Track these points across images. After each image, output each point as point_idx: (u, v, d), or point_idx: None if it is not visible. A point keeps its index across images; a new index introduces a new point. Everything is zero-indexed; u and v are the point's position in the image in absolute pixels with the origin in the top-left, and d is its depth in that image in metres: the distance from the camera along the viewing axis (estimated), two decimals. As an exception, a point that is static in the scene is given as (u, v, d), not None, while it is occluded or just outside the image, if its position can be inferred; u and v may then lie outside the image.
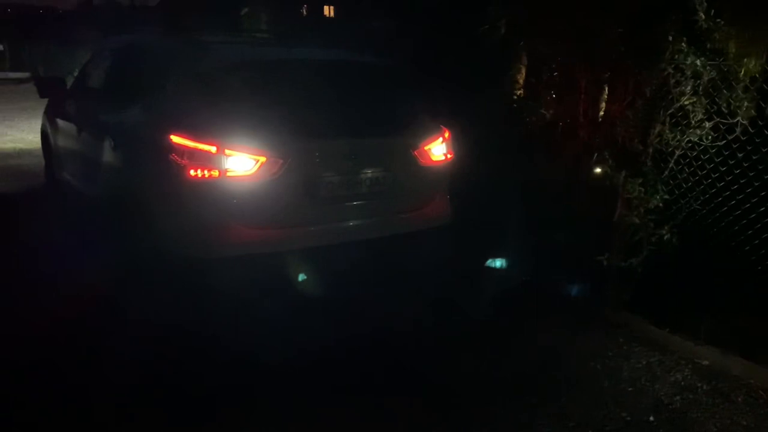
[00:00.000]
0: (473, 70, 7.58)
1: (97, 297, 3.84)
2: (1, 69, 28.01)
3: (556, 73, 5.69)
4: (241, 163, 3.52)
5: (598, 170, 4.55)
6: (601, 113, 4.82)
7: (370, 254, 3.93)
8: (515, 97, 10.41)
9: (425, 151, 4.12)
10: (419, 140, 4.10)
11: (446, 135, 4.26)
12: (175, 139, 3.58)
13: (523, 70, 11.62)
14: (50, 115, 5.90)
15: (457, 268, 4.53)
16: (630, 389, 3.30)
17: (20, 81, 23.87)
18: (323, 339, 3.54)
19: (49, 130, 5.94)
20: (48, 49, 22.90)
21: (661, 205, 3.96)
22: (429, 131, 4.19)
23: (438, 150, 4.19)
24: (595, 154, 4.50)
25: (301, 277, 3.87)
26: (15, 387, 3.02)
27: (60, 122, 5.50)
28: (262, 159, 3.54)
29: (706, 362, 3.54)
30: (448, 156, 4.26)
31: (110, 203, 4.26)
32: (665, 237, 3.87)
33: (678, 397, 3.23)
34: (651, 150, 4.01)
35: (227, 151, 3.49)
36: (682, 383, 3.36)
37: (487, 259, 4.71)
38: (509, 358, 3.55)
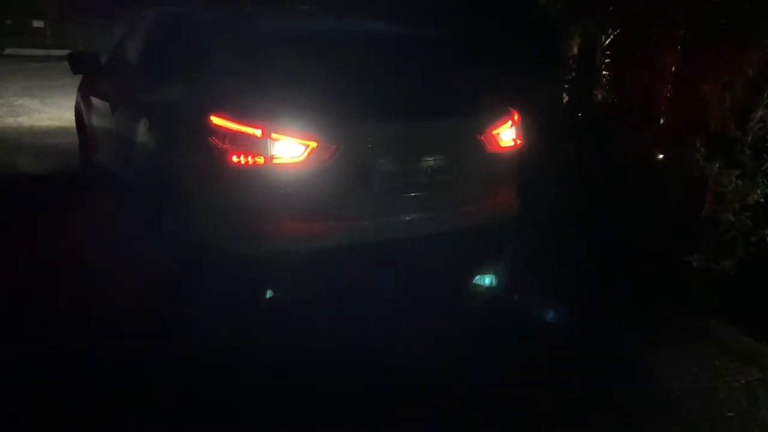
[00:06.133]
0: (523, 49, 7.09)
1: (125, 296, 3.46)
2: (43, 46, 28.22)
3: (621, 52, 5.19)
4: (289, 149, 3.14)
5: (674, 158, 4.07)
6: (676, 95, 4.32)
7: (429, 252, 3.51)
8: (568, 78, 9.82)
9: (492, 136, 3.67)
10: (486, 124, 3.65)
11: (515, 118, 3.81)
12: (216, 120, 3.20)
13: (575, 49, 11.01)
14: (84, 93, 5.59)
15: (524, 267, 4.08)
16: (729, 414, 2.84)
17: (61, 58, 23.91)
18: (382, 349, 3.12)
19: (82, 109, 5.64)
20: (89, 26, 22.82)
21: (762, 200, 3.47)
22: (496, 114, 3.74)
23: (506, 135, 3.74)
24: (677, 141, 4.01)
25: (351, 275, 3.47)
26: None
27: (94, 101, 5.19)
28: (313, 144, 3.15)
29: (819, 386, 3.07)
30: (518, 142, 3.81)
31: (145, 190, 3.93)
32: (768, 238, 3.38)
33: (793, 429, 2.77)
34: (750, 137, 3.52)
35: (274, 135, 3.11)
36: (795, 411, 2.89)
37: (554, 258, 4.25)
38: (582, 372, 3.11)
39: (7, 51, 27.83)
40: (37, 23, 30.26)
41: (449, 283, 3.75)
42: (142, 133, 3.93)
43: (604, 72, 10.01)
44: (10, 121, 9.73)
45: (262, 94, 3.23)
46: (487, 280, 3.84)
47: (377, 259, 3.42)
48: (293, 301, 3.33)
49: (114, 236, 4.23)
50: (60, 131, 8.83)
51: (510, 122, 3.76)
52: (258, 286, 3.30)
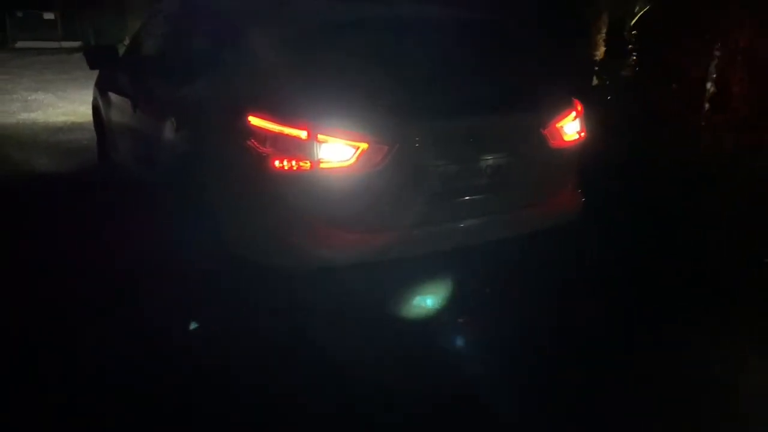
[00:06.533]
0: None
1: (144, 314, 3.13)
2: (54, 38, 28.01)
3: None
4: (337, 152, 2.79)
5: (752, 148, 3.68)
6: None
7: (491, 260, 3.16)
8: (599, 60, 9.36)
9: (556, 129, 3.30)
10: (549, 116, 3.28)
11: (579, 109, 3.43)
12: (254, 121, 2.86)
13: (604, 30, 10.52)
14: (101, 89, 5.25)
15: (590, 270, 3.70)
16: None
17: (72, 50, 23.86)
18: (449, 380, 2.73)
19: (100, 105, 5.30)
20: (100, 18, 22.52)
21: None
22: (560, 105, 3.37)
23: (570, 128, 3.36)
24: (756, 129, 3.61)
25: (409, 292, 3.13)
26: None
27: (112, 96, 4.85)
28: (363, 146, 2.79)
29: None
30: (582, 135, 3.43)
31: (170, 195, 3.60)
32: None
33: None
34: None
35: (320, 137, 2.76)
36: None
37: (630, 261, 3.85)
38: (670, 390, 2.75)
39: (19, 44, 27.74)
40: (48, 15, 30.06)
41: (519, 293, 3.38)
42: (167, 133, 3.59)
43: (633, 55, 9.56)
44: (24, 116, 9.48)
45: (307, 89, 2.87)
46: (553, 286, 3.47)
47: (433, 272, 3.08)
48: (339, 319, 2.99)
49: (136, 242, 3.90)
50: (75, 127, 8.58)
51: (574, 113, 3.39)
52: (300, 304, 2.97)
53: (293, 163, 2.78)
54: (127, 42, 18.28)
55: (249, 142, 2.86)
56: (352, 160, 2.79)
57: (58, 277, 3.55)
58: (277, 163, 2.80)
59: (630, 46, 9.44)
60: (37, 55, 22.64)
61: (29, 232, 4.33)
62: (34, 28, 29.17)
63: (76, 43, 25.58)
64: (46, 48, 25.58)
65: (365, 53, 3.05)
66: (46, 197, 5.22)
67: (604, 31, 10.17)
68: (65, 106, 10.48)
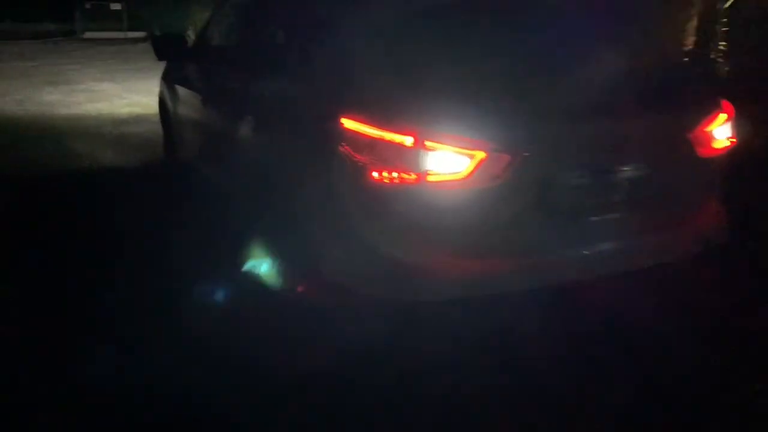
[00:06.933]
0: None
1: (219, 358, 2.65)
2: (119, 29, 28.49)
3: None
4: (448, 162, 2.30)
5: None
6: None
7: (630, 296, 2.62)
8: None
9: (704, 134, 2.73)
10: (696, 119, 2.71)
11: (729, 110, 2.84)
12: (349, 123, 2.40)
13: (696, 18, 9.66)
14: (169, 81, 4.92)
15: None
16: None
17: (137, 41, 24.23)
18: None
19: (167, 99, 4.98)
20: (165, 8, 22.64)
21: None
22: (707, 106, 2.79)
23: (720, 133, 2.78)
24: None
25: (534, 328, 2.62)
26: None
27: (180, 90, 4.50)
28: (480, 155, 2.30)
29: None
30: (732, 141, 2.85)
31: (246, 203, 3.20)
32: None
33: None
34: None
35: (429, 144, 2.28)
36: None
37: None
38: None
39: (87, 34, 28.40)
40: (115, 6, 30.65)
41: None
42: (244, 132, 3.19)
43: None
44: (89, 107, 9.40)
45: (411, 86, 2.40)
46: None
47: (560, 308, 2.56)
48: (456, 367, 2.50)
49: (205, 250, 3.50)
50: (140, 119, 8.41)
51: (724, 116, 2.80)
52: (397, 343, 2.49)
53: (395, 174, 2.32)
54: (191, 31, 18.23)
55: (342, 149, 2.41)
56: (467, 172, 2.30)
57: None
58: (375, 174, 2.34)
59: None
60: (104, 45, 23.10)
61: (85, 237, 4.00)
62: (101, 18, 29.80)
63: (141, 34, 25.97)
64: (112, 38, 26.14)
65: (480, 42, 2.54)
66: (108, 197, 4.91)
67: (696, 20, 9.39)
68: (130, 97, 10.39)
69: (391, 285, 2.43)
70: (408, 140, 2.29)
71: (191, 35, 18.08)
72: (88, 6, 30.84)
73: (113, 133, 7.57)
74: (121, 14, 30.15)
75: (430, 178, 2.30)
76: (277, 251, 2.88)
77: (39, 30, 31.64)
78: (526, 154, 2.34)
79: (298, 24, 3.05)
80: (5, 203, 4.77)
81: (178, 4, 20.17)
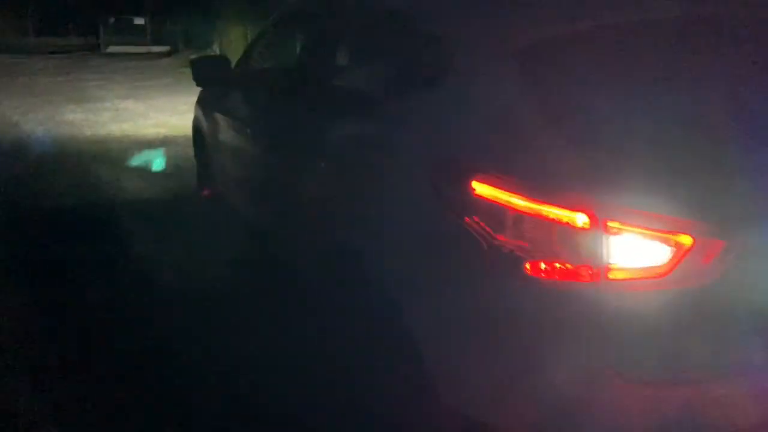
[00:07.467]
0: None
1: None
2: (143, 43, 28.39)
3: None
4: (640, 251, 1.58)
5: None
6: None
7: None
8: None
9: None
10: None
11: None
12: (482, 189, 1.69)
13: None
14: (207, 108, 4.24)
15: None
16: None
17: (161, 55, 24.01)
18: None
19: (204, 128, 4.30)
20: (188, 23, 22.34)
21: None
22: None
23: None
24: None
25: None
26: None
27: (223, 120, 3.82)
28: (686, 240, 1.57)
29: None
30: None
31: (315, 277, 2.51)
32: None
33: None
34: None
35: (611, 224, 1.56)
36: None
37: None
38: None
39: (110, 49, 28.36)
40: (138, 21, 30.74)
41: None
42: (311, 179, 2.50)
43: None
44: (114, 128, 8.87)
45: (579, 140, 1.68)
46: None
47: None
48: None
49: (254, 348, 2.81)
50: (168, 140, 7.87)
51: None
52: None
53: (560, 267, 1.60)
54: (217, 46, 17.76)
55: (471, 223, 1.70)
56: (667, 266, 1.57)
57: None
58: (527, 265, 1.61)
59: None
60: (128, 59, 22.92)
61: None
62: (124, 33, 29.86)
63: (165, 48, 25.82)
64: (136, 53, 26.08)
65: (671, 78, 1.81)
66: (133, 237, 4.27)
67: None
68: (156, 116, 9.85)
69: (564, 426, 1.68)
70: (580, 219, 1.57)
71: (217, 51, 17.61)
72: (112, 20, 30.89)
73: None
74: (145, 29, 30.12)
75: (612, 275, 1.57)
76: (366, 354, 2.16)
77: (64, 44, 31.74)
78: (748, 238, 1.60)
79: (391, 46, 2.30)
80: (15, 245, 4.20)
81: (201, 19, 19.81)
